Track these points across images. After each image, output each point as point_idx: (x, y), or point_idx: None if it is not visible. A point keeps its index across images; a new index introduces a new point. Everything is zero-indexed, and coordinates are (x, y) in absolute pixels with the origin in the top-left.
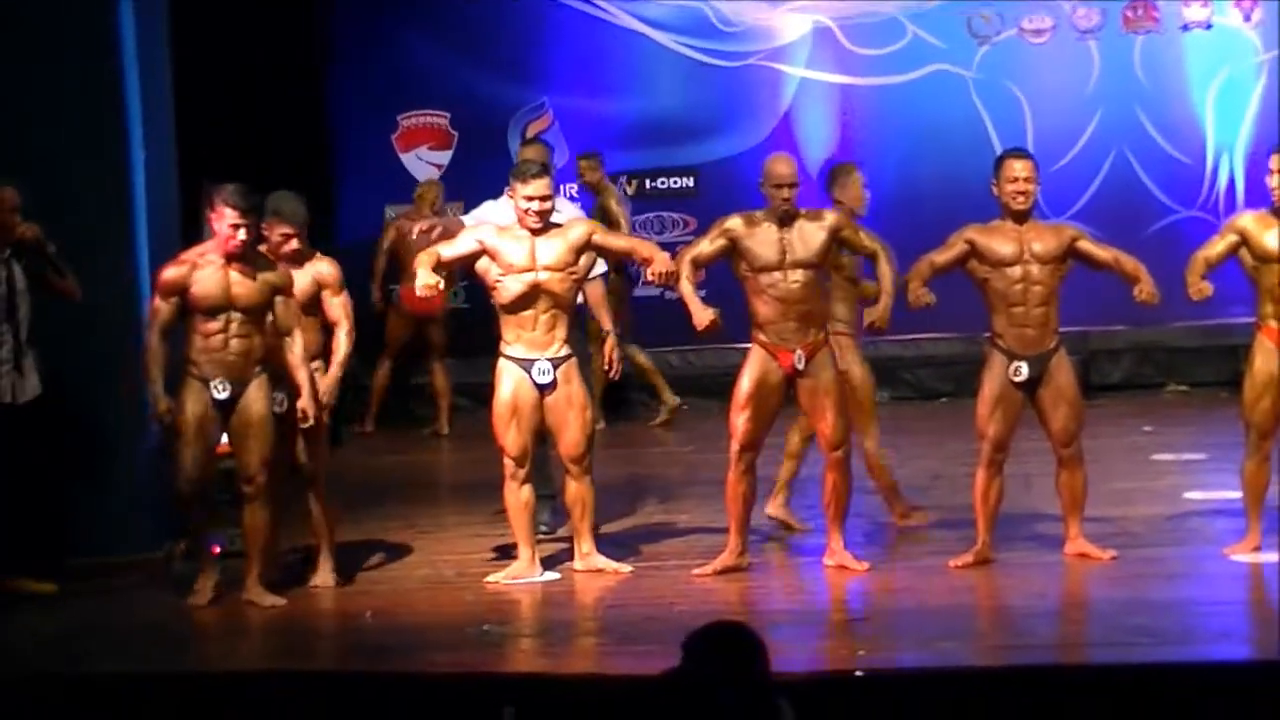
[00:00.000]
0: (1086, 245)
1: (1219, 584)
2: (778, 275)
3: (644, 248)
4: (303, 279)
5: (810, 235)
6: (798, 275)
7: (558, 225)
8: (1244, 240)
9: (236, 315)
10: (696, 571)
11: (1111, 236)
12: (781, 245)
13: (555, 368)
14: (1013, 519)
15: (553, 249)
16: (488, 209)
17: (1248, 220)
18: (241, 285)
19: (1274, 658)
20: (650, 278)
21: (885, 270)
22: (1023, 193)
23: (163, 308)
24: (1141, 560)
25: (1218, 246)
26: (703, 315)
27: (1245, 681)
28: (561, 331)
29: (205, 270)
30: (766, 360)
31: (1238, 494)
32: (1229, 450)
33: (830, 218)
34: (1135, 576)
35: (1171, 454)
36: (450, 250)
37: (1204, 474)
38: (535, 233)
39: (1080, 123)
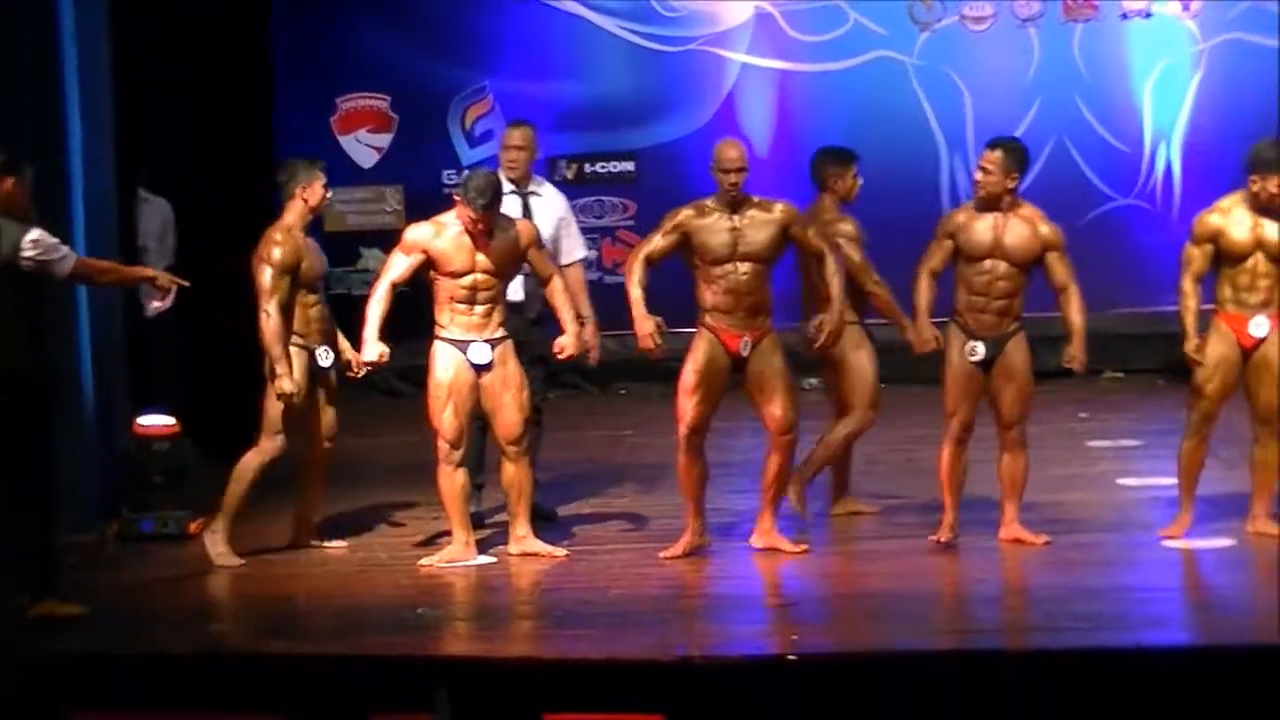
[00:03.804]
0: (1054, 259)
1: (1153, 570)
2: (728, 267)
3: (569, 307)
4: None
5: (760, 227)
6: (747, 268)
7: (505, 216)
8: (1217, 240)
9: None
10: (663, 554)
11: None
12: (732, 237)
13: (492, 349)
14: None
15: (493, 253)
16: None
17: (1217, 220)
18: None
19: (1209, 643)
20: (557, 349)
21: (830, 275)
22: (978, 182)
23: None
24: (1076, 546)
25: (1199, 261)
26: (644, 326)
27: (1180, 666)
28: (499, 315)
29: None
30: (713, 344)
31: (1172, 480)
32: (1164, 437)
33: (781, 211)
34: (1070, 562)
35: (1107, 440)
36: (396, 274)
37: (1138, 460)
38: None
39: (1020, 110)
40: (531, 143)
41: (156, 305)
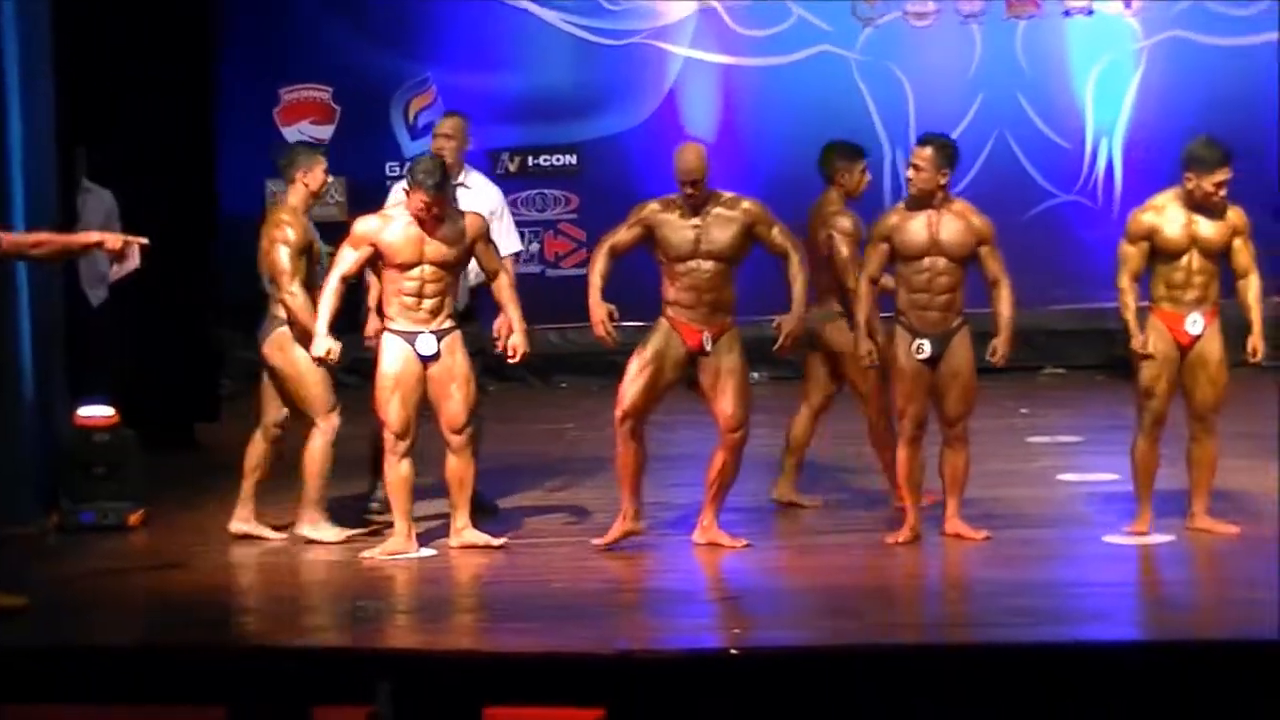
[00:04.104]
0: (985, 253)
1: (1093, 565)
2: (691, 264)
3: (515, 305)
4: None
5: (724, 226)
6: (709, 265)
7: (452, 209)
8: (1151, 238)
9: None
10: (595, 541)
11: (991, 220)
12: (695, 235)
13: (439, 340)
14: (888, 498)
15: (441, 244)
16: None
17: (1150, 218)
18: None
19: (1150, 638)
20: (510, 350)
21: (796, 276)
22: (909, 180)
23: None
24: (1016, 541)
25: (1135, 259)
26: (597, 313)
27: (1120, 662)
28: (448, 307)
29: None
30: (670, 336)
31: (1112, 476)
32: (1103, 433)
33: (744, 211)
34: (1010, 557)
35: (1046, 436)
36: (345, 268)
37: (1078, 456)
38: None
39: (962, 106)
40: (462, 132)
41: (118, 270)
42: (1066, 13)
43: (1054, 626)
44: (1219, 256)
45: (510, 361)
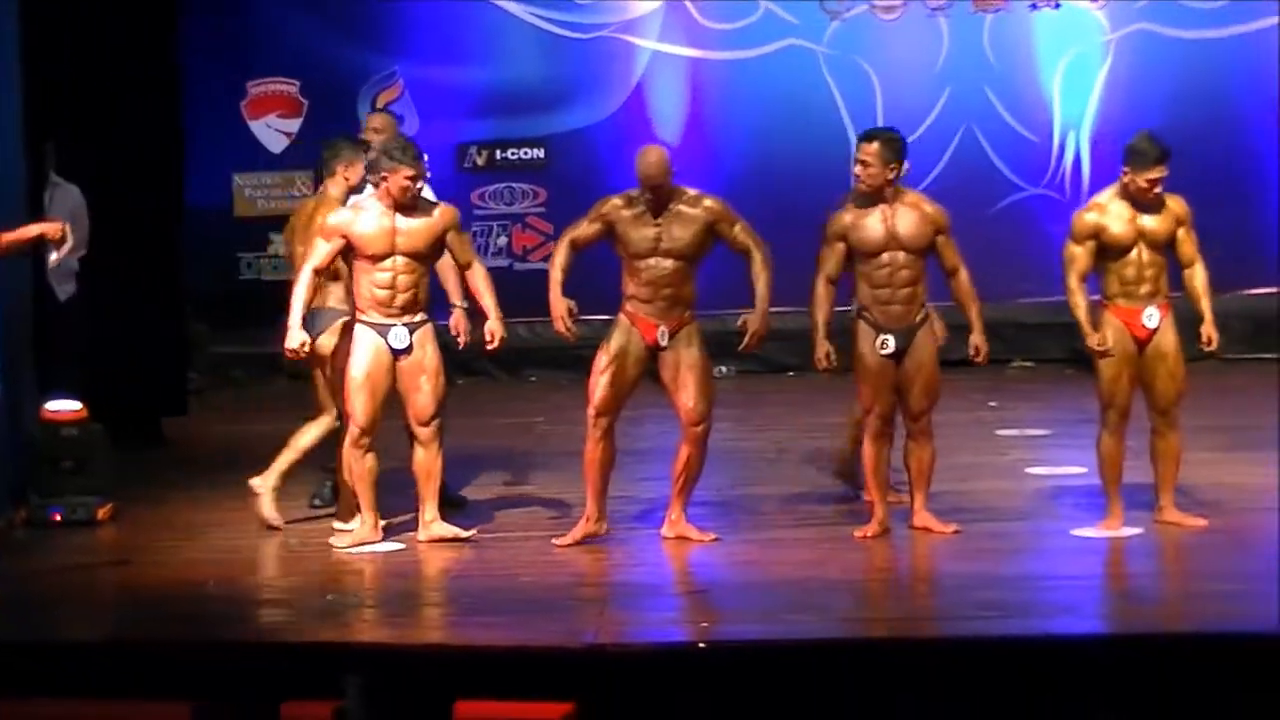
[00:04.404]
0: (942, 242)
1: (1062, 558)
2: (650, 261)
3: (491, 293)
4: None
5: (685, 224)
6: (668, 263)
7: (425, 199)
8: (1098, 236)
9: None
10: (556, 541)
11: (959, 213)
12: (656, 232)
13: (411, 333)
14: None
15: (413, 235)
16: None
17: (1095, 217)
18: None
19: (1117, 631)
20: (487, 337)
21: (759, 274)
22: (857, 175)
23: None
24: (985, 535)
25: (1082, 259)
26: (557, 307)
27: (1088, 654)
28: (421, 299)
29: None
30: (630, 331)
31: (1080, 469)
32: (1071, 426)
33: (706, 209)
34: (979, 551)
35: (1015, 429)
36: (318, 260)
37: (1047, 449)
38: (401, 211)
39: (929, 100)
40: (392, 128)
41: (55, 256)
42: (1033, 6)
43: (1023, 620)
44: (1165, 248)
45: (489, 348)
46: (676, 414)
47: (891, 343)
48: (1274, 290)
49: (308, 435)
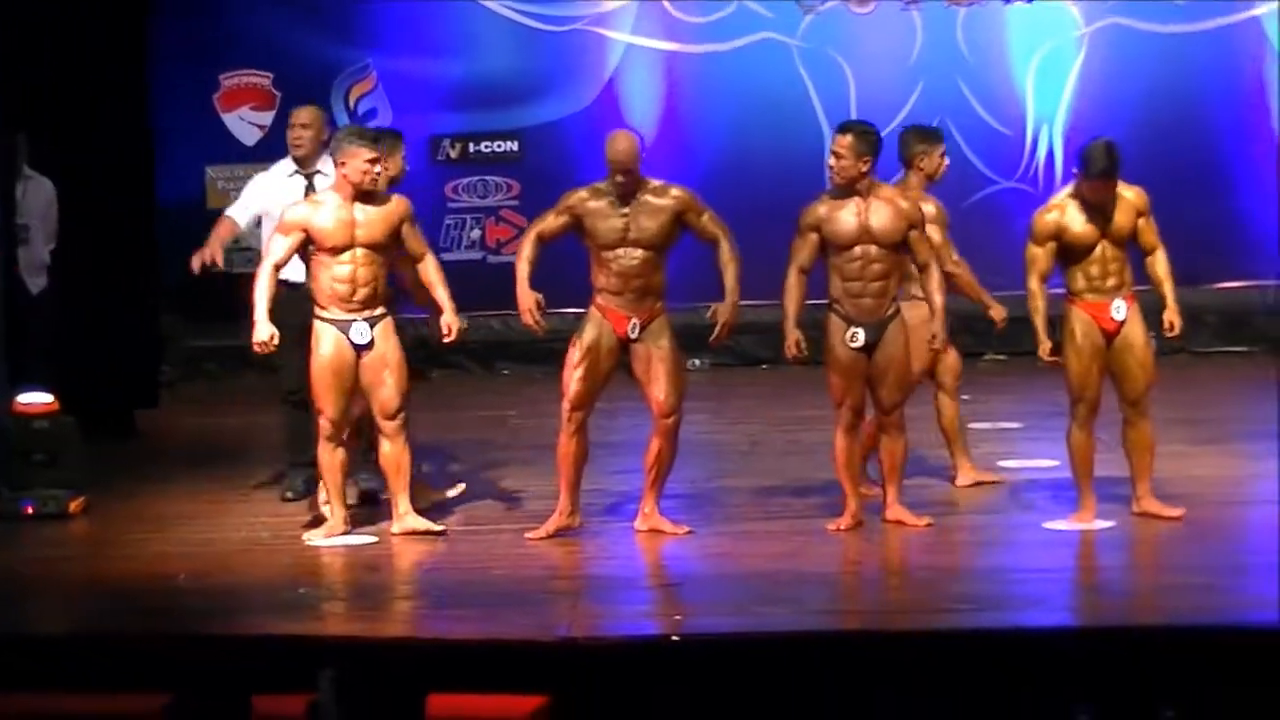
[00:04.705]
0: (915, 238)
1: (1034, 551)
2: (619, 252)
3: (444, 285)
4: None
5: (653, 214)
6: (638, 253)
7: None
8: (1060, 237)
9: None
10: (529, 534)
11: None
12: (624, 223)
13: (372, 327)
14: (833, 485)
15: (371, 226)
16: (261, 183)
17: (1055, 217)
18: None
19: (1089, 624)
20: (444, 330)
21: (728, 264)
22: (832, 167)
23: None
24: (958, 528)
25: (1043, 260)
26: (525, 301)
27: (1060, 647)
28: (380, 293)
29: None
30: (601, 324)
31: (1052, 462)
32: (1044, 419)
33: (674, 198)
34: (952, 543)
35: (988, 423)
36: (278, 255)
37: (1020, 442)
38: (359, 199)
39: (903, 93)
40: (318, 122)
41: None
42: (1007, 0)
43: (995, 613)
44: (1127, 242)
45: (445, 340)
46: (648, 406)
47: (862, 336)
48: (1243, 284)
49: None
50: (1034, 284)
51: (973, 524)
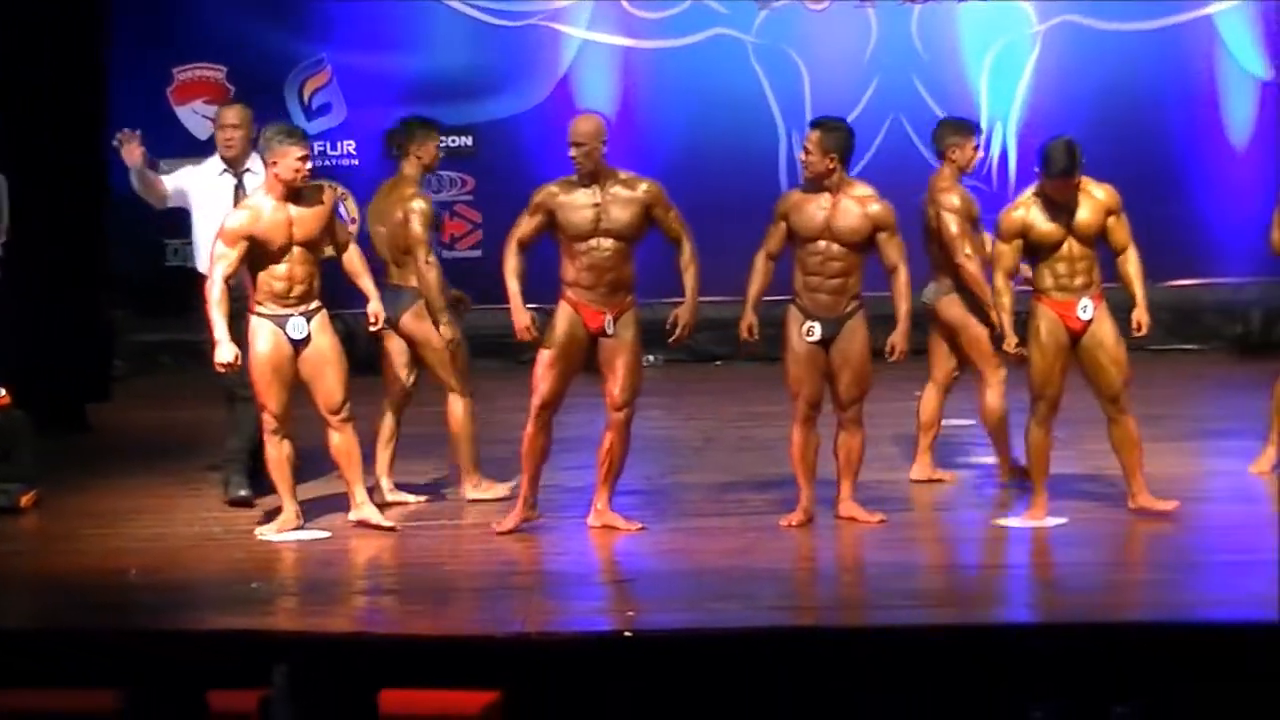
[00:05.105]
0: (883, 239)
1: (988, 548)
2: (591, 243)
3: (368, 274)
4: None
5: (624, 205)
6: (609, 244)
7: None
8: (1026, 235)
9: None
10: (496, 527)
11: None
12: (595, 213)
13: (308, 321)
14: (786, 481)
15: (305, 224)
16: (190, 174)
17: (1021, 214)
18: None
19: (1043, 620)
20: (371, 318)
21: (688, 266)
22: (801, 161)
23: None
24: (912, 524)
25: (1009, 257)
26: (520, 318)
27: (1014, 643)
28: (315, 288)
29: None
30: (573, 318)
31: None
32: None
33: (644, 191)
34: (906, 540)
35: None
36: (227, 269)
37: (974, 440)
38: (289, 198)
39: (857, 90)
40: (248, 122)
41: None
42: None
43: (948, 609)
44: (1095, 240)
45: (370, 329)
46: (604, 398)
47: (818, 330)
48: (1195, 281)
49: (457, 419)
50: (999, 281)
51: (926, 520)
